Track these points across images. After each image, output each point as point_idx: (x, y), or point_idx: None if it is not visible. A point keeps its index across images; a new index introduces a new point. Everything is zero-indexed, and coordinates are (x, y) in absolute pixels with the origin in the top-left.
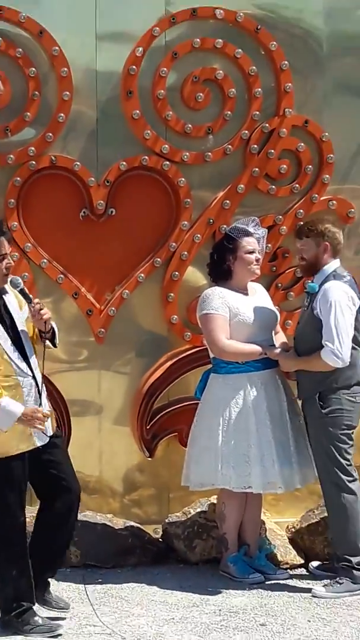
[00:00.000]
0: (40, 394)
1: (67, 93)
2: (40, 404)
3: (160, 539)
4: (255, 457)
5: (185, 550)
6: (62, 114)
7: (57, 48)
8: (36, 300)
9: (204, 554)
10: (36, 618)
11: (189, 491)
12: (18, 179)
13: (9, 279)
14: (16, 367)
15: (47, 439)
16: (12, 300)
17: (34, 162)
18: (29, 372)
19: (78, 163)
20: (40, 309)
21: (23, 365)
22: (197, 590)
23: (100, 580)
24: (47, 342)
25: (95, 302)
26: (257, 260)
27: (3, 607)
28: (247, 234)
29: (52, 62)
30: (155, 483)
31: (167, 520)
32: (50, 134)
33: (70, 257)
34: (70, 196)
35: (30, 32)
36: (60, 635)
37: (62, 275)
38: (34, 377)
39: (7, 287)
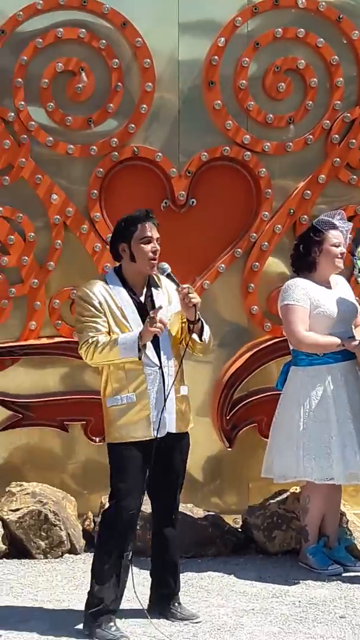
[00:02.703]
0: (164, 385)
1: (150, 84)
2: (166, 398)
3: (239, 529)
4: (337, 449)
5: (264, 541)
6: (144, 105)
7: (139, 39)
8: (185, 285)
9: (283, 544)
10: (110, 624)
11: (269, 482)
12: (101, 169)
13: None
14: (144, 356)
15: (165, 433)
16: (161, 294)
17: (116, 153)
18: (157, 362)
19: (160, 154)
20: (189, 293)
21: (151, 354)
22: (276, 581)
23: (181, 569)
24: (194, 336)
25: None
26: (342, 254)
27: (87, 600)
28: (334, 226)
29: (135, 53)
30: (235, 473)
31: (246, 511)
32: (133, 125)
33: None
34: (152, 187)
35: (113, 23)
36: None
37: None
38: (160, 367)
39: (159, 279)
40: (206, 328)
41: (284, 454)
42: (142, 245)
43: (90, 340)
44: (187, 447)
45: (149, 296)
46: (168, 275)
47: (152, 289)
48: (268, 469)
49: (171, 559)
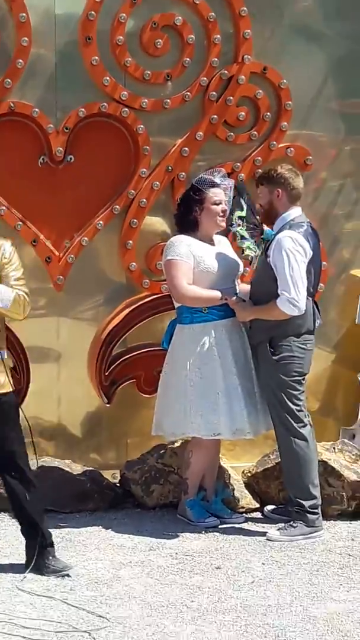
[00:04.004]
0: None
1: (26, 39)
2: None
3: (117, 484)
4: (223, 405)
5: (142, 495)
6: (20, 60)
7: None
8: None
9: (161, 498)
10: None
11: (146, 437)
12: None
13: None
14: None
15: None
16: None
17: None
18: None
19: (37, 110)
20: None
21: None
22: (154, 534)
23: (58, 525)
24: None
25: (54, 250)
26: (223, 212)
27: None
28: (214, 185)
29: (10, 7)
30: (113, 429)
31: (124, 465)
32: (9, 80)
33: (29, 204)
34: (30, 143)
35: None
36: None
37: (20, 223)
38: None
39: None
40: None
41: (172, 412)
42: None
43: None
44: (8, 409)
45: None
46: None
47: None
48: (158, 426)
49: (30, 515)
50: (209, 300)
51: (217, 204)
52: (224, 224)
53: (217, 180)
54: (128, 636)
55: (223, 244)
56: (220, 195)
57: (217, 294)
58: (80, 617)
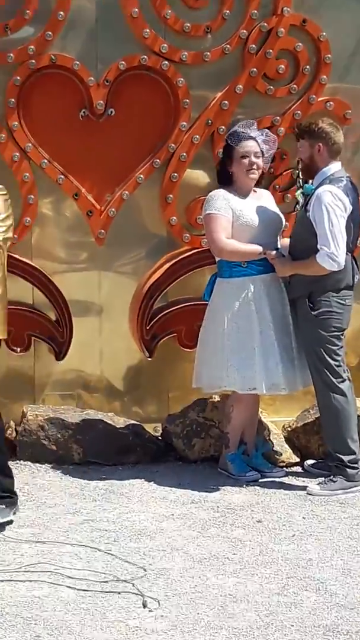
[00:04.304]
0: None
1: None
2: None
3: (159, 438)
4: (259, 359)
5: (184, 448)
6: (61, 12)
7: None
8: None
9: (202, 452)
10: None
11: (187, 391)
12: (18, 78)
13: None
14: None
15: None
16: None
17: (33, 61)
18: None
19: (78, 62)
20: None
21: None
22: (195, 487)
23: (102, 477)
24: None
25: (96, 203)
26: (252, 164)
27: None
28: (242, 138)
29: None
30: (155, 383)
31: (166, 419)
32: (50, 33)
33: (70, 158)
34: (70, 96)
35: None
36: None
37: (62, 176)
38: None
39: None
40: None
41: (211, 365)
42: None
43: None
44: None
45: None
46: None
47: None
48: (198, 379)
49: None
50: (248, 254)
51: (245, 157)
52: (254, 177)
53: (246, 132)
54: (170, 588)
55: (265, 198)
56: (247, 147)
57: (257, 248)
58: (125, 569)
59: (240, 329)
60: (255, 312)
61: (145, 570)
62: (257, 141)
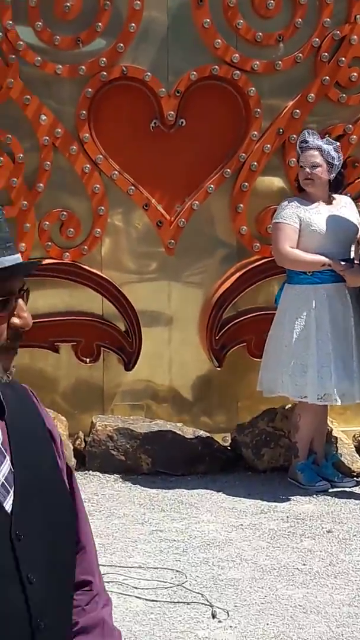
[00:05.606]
0: None
1: (138, 2)
2: None
3: (228, 447)
4: (312, 368)
5: (253, 458)
6: (133, 24)
7: None
8: None
9: (271, 461)
10: None
11: (257, 401)
12: (89, 90)
13: None
14: None
15: None
16: None
17: (105, 73)
18: None
19: (149, 73)
20: None
21: None
22: (264, 497)
23: (170, 487)
24: None
25: (166, 214)
26: (306, 175)
27: None
28: (302, 148)
29: None
30: (224, 392)
31: (235, 429)
32: (122, 44)
33: (141, 169)
34: (141, 107)
35: None
36: None
37: (132, 187)
38: None
39: None
40: None
41: (270, 369)
42: None
43: None
44: None
45: None
46: None
47: None
48: (260, 381)
49: None
50: (311, 264)
51: (302, 167)
52: (309, 189)
53: (305, 141)
54: (240, 598)
55: (343, 206)
56: (304, 158)
57: (320, 259)
58: (194, 579)
59: (298, 336)
60: (315, 320)
61: (214, 581)
62: (319, 150)
